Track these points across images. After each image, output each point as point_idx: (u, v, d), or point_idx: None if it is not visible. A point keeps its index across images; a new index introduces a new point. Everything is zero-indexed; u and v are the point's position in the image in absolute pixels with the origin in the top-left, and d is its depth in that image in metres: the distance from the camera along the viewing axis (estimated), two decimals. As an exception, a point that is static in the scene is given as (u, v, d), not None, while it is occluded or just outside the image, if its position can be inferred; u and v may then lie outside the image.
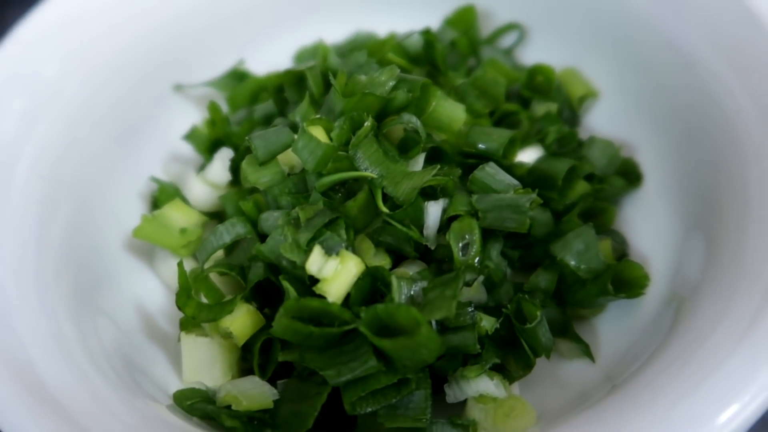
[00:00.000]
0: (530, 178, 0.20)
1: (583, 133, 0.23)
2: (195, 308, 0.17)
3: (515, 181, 0.17)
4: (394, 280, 0.15)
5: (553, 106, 0.22)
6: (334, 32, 0.26)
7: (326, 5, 0.26)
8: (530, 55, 0.25)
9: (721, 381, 0.11)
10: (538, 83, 0.22)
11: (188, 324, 0.18)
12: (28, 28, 0.20)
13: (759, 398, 0.11)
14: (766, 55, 0.16)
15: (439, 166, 0.17)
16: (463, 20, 0.24)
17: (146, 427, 0.13)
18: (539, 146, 0.21)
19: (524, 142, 0.21)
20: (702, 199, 0.18)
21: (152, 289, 0.20)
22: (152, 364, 0.18)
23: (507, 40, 0.25)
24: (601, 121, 0.23)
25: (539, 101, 0.22)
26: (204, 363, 0.17)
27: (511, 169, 0.20)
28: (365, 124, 0.17)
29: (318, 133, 0.18)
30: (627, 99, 0.22)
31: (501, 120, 0.22)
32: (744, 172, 0.16)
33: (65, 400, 0.13)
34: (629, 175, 0.21)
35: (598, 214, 0.20)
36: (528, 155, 0.21)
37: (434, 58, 0.22)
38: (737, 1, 0.17)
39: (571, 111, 0.23)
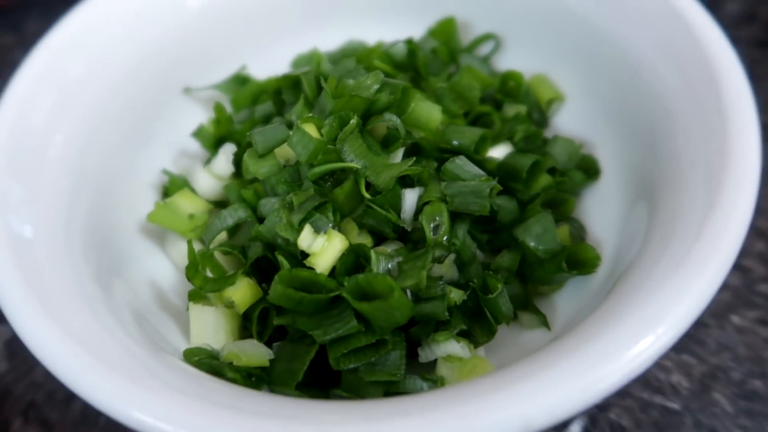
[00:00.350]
0: (499, 171, 0.22)
1: (550, 133, 0.26)
2: (202, 281, 0.20)
3: (481, 172, 0.20)
4: (373, 255, 0.18)
5: (522, 108, 0.25)
6: (329, 41, 0.28)
7: (322, 17, 0.28)
8: (505, 63, 0.27)
9: (634, 323, 0.14)
10: (509, 88, 0.25)
11: (196, 295, 0.20)
12: (57, 36, 0.22)
13: (666, 335, 0.14)
14: (693, 53, 0.19)
15: (415, 159, 0.20)
16: (445, 31, 0.27)
17: (166, 369, 0.16)
18: (509, 143, 0.23)
19: (495, 139, 0.23)
20: (644, 187, 0.20)
21: (163, 267, 0.23)
22: (164, 329, 0.20)
23: (485, 49, 0.28)
24: (567, 122, 0.26)
25: (510, 104, 0.25)
26: (209, 328, 0.20)
27: (482, 163, 0.22)
28: (351, 122, 0.20)
29: (310, 129, 0.20)
30: (589, 102, 0.25)
31: (475, 120, 0.24)
32: (679, 164, 0.19)
33: (91, 343, 0.15)
34: (588, 169, 0.24)
35: (560, 203, 0.23)
36: (498, 151, 0.23)
37: (416, 65, 0.25)
38: (672, 12, 0.20)
39: (540, 113, 0.25)
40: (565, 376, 0.13)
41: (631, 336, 0.13)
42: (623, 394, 0.22)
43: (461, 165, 0.20)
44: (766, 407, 0.21)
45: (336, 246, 0.18)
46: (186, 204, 0.23)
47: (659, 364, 0.23)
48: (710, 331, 0.23)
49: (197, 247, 0.22)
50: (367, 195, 0.19)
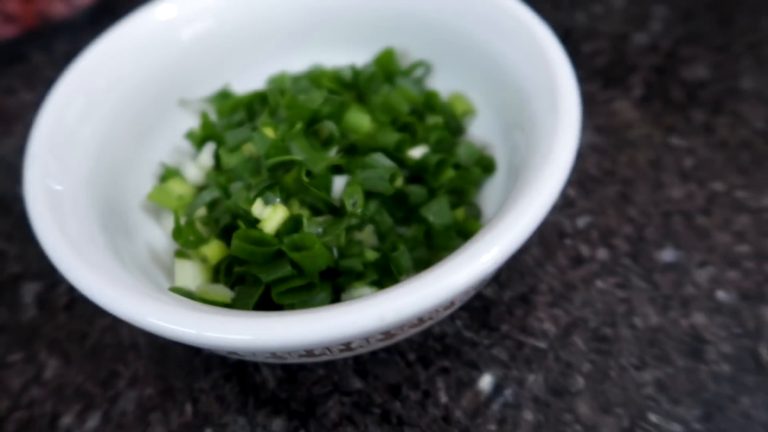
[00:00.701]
0: (416, 166, 0.29)
1: (467, 138, 0.33)
2: (184, 241, 0.27)
3: (390, 163, 0.27)
4: (305, 221, 0.25)
5: (439, 119, 0.31)
6: (297, 65, 0.35)
7: (292, 46, 0.36)
8: (434, 84, 0.34)
9: (474, 247, 0.20)
10: (430, 103, 0.32)
11: (180, 253, 0.27)
12: (83, 59, 0.30)
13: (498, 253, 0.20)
14: (539, 54, 0.26)
15: (343, 154, 0.27)
16: (386, 58, 0.34)
17: (164, 293, 0.22)
18: (426, 146, 0.30)
19: (415, 142, 0.30)
20: (518, 173, 0.27)
21: (158, 236, 0.30)
22: (156, 276, 0.27)
23: (420, 72, 0.35)
24: (477, 130, 0.33)
25: (430, 115, 0.32)
26: (189, 276, 0.27)
27: (402, 160, 0.29)
28: (297, 126, 0.27)
29: (268, 132, 0.28)
30: (491, 112, 0.32)
31: (403, 128, 0.31)
32: (536, 141, 0.25)
33: (108, 272, 0.22)
34: (486, 166, 0.30)
35: (462, 192, 0.30)
36: (417, 151, 0.30)
37: (359, 85, 0.32)
38: (528, 31, 0.27)
39: (456, 123, 0.32)
40: (415, 285, 0.20)
41: (467, 257, 0.20)
42: (503, 336, 0.29)
43: (376, 158, 0.27)
44: (612, 347, 0.28)
45: (279, 214, 0.25)
46: (177, 187, 0.30)
47: (536, 316, 0.29)
48: (578, 292, 0.30)
49: (183, 219, 0.29)
50: (305, 179, 0.26)
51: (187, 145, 0.33)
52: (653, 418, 0.26)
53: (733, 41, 0.41)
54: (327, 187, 0.26)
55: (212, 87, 0.34)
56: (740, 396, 0.26)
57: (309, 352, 0.22)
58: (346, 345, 0.22)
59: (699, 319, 0.28)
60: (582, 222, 0.32)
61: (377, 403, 0.27)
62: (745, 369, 0.27)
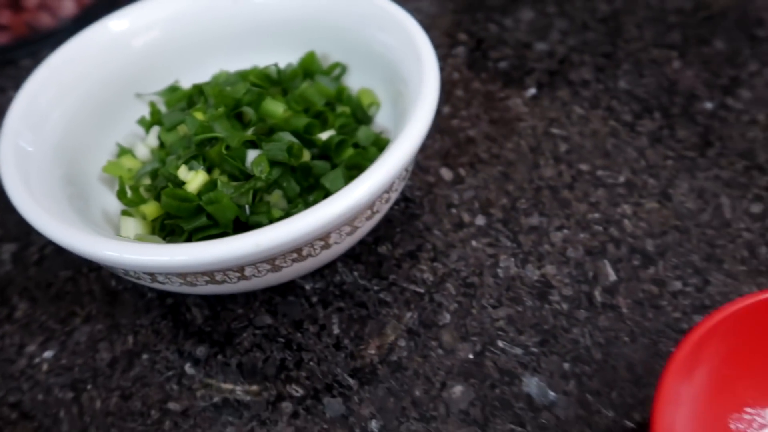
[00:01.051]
0: (323, 146, 0.36)
1: (375, 127, 0.40)
2: (127, 201, 0.33)
3: (292, 138, 0.33)
4: (220, 182, 0.31)
5: (347, 109, 0.38)
6: (237, 65, 0.42)
7: (234, 50, 0.42)
8: (350, 81, 0.41)
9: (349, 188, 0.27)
10: (340, 96, 0.39)
11: (125, 212, 0.34)
12: (54, 58, 0.37)
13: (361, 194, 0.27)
14: (410, 41, 0.33)
15: (255, 129, 0.34)
16: (308, 60, 0.40)
17: (113, 236, 0.29)
18: (333, 130, 0.37)
19: (324, 127, 0.37)
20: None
21: (111, 203, 0.36)
22: (106, 232, 0.34)
23: (337, 72, 0.42)
24: (381, 118, 0.39)
25: (340, 106, 0.39)
26: (131, 230, 0.33)
27: (312, 141, 0.36)
28: (219, 110, 0.34)
29: (198, 115, 0.34)
30: (389, 102, 0.38)
31: (317, 116, 0.38)
32: (403, 129, 0.32)
33: (67, 219, 0.28)
34: (382, 146, 0.37)
35: (360, 167, 0.36)
36: (326, 134, 0.37)
37: (282, 81, 0.39)
38: (403, 27, 0.34)
39: (363, 112, 0.39)
40: (289, 221, 0.26)
41: (331, 201, 0.27)
42: (391, 284, 0.35)
43: (281, 135, 0.33)
44: (476, 291, 0.34)
45: (200, 178, 0.32)
46: (128, 162, 0.37)
47: (419, 268, 0.35)
48: (456, 250, 0.36)
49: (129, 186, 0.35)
50: (224, 152, 0.33)
51: (140, 130, 0.39)
52: (500, 344, 0.32)
53: (617, 49, 0.48)
54: (242, 158, 0.33)
55: (164, 83, 0.41)
56: (572, 327, 0.32)
57: (212, 278, 0.28)
58: (241, 272, 0.28)
59: (550, 270, 0.35)
60: (467, 195, 0.39)
61: (282, 334, 0.34)
62: (579, 307, 0.33)
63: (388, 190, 0.31)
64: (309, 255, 0.29)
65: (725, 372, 0.26)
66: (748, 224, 0.36)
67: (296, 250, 0.28)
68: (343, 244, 0.31)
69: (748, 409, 0.27)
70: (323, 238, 0.29)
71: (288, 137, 0.33)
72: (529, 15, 0.52)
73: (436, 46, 0.48)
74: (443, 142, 0.42)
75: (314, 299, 0.35)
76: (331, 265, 0.36)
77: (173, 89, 0.40)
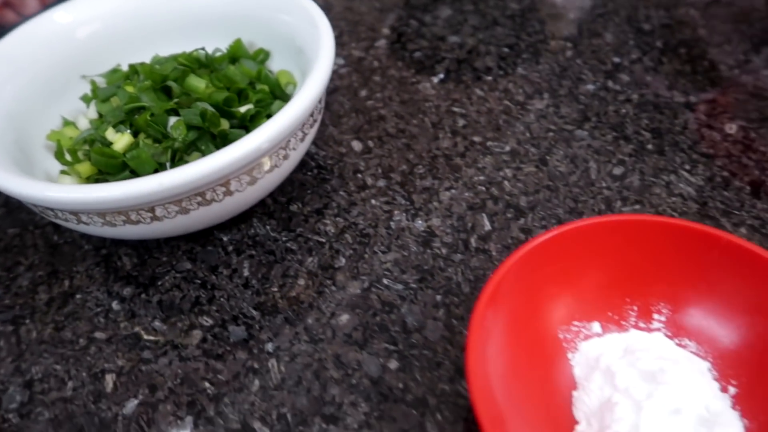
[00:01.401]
0: (241, 117, 0.41)
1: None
2: (64, 161, 0.38)
3: (207, 106, 0.38)
4: (141, 142, 0.37)
5: (265, 87, 0.43)
6: (172, 50, 0.48)
7: (169, 39, 0.48)
8: (273, 65, 0.47)
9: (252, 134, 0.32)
10: (260, 76, 0.44)
11: (63, 171, 0.39)
12: (6, 40, 0.42)
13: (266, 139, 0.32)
14: (312, 21, 0.38)
15: (178, 100, 0.39)
16: (236, 46, 0.46)
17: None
18: (251, 105, 0.42)
19: (243, 101, 0.42)
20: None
21: (53, 166, 0.41)
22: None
23: (262, 57, 0.47)
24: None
25: (260, 85, 0.44)
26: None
27: (231, 112, 0.41)
28: (146, 83, 0.39)
29: (129, 88, 0.39)
30: (300, 80, 0.44)
31: (239, 93, 0.43)
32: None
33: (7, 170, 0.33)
34: (294, 118, 0.42)
35: (274, 135, 0.41)
36: (244, 108, 0.42)
37: (210, 63, 0.44)
38: (308, 12, 0.39)
39: (281, 90, 0.44)
40: (191, 165, 0.31)
41: (228, 149, 0.32)
42: (298, 235, 0.40)
43: (198, 105, 0.38)
44: (370, 240, 0.39)
45: (125, 139, 0.37)
46: (69, 132, 0.42)
47: (323, 222, 0.41)
48: (357, 207, 0.41)
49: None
50: (149, 119, 0.38)
51: (84, 106, 0.45)
52: (385, 281, 0.37)
53: (520, 41, 0.53)
54: (164, 124, 0.38)
55: (107, 66, 0.46)
56: (448, 267, 0.37)
57: (128, 218, 0.33)
58: (153, 213, 0.33)
59: (435, 222, 0.40)
60: (372, 163, 0.44)
61: (199, 277, 0.38)
62: (456, 251, 0.38)
63: (284, 146, 0.36)
64: (213, 200, 0.34)
65: (552, 292, 0.31)
66: (609, 184, 0.41)
67: (200, 194, 0.33)
68: (246, 194, 0.36)
69: (576, 323, 0.32)
70: (224, 184, 0.34)
71: (202, 105, 0.39)
72: (447, 12, 0.58)
73: (362, 39, 0.54)
74: (357, 119, 0.48)
75: (230, 248, 0.40)
76: (247, 220, 0.41)
77: (114, 71, 0.46)
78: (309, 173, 0.44)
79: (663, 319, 0.32)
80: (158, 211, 0.33)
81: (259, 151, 0.33)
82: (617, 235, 0.31)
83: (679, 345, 0.31)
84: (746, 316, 0.30)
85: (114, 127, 0.37)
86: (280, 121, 0.33)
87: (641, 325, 0.32)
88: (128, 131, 0.38)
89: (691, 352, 0.31)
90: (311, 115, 0.38)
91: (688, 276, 0.31)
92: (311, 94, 0.35)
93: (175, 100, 0.40)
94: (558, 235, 0.30)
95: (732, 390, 0.29)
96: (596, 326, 0.32)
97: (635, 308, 0.32)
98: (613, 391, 0.29)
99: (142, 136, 0.38)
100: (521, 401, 0.28)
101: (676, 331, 0.31)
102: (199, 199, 0.34)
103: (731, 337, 0.30)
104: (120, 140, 0.37)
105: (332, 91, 0.50)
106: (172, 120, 0.38)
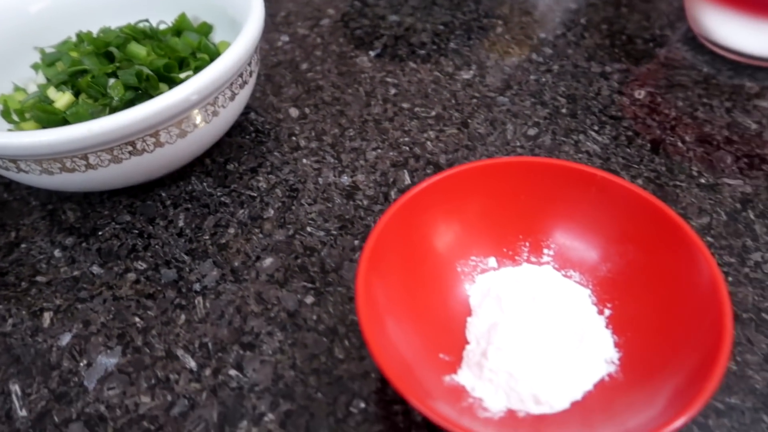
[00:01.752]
0: (180, 83, 0.44)
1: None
2: (11, 120, 0.41)
3: (144, 68, 0.41)
4: (80, 100, 0.39)
5: (205, 56, 0.46)
6: (122, 22, 0.51)
7: (120, 13, 0.51)
8: (217, 37, 0.50)
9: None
10: (201, 46, 0.47)
11: (10, 130, 0.41)
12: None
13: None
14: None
15: (119, 65, 0.42)
16: (181, 20, 0.49)
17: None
18: (191, 71, 0.45)
19: (184, 68, 0.45)
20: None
21: (2, 127, 0.44)
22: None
23: (206, 30, 0.50)
24: (236, 66, 0.48)
25: (200, 54, 0.47)
26: (13, 143, 0.41)
27: (171, 78, 0.44)
28: (88, 47, 0.42)
29: (73, 53, 0.42)
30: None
31: (181, 62, 0.46)
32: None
33: None
34: (231, 84, 0.45)
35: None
36: (184, 74, 0.45)
37: (155, 35, 0.47)
38: None
39: (221, 60, 0.47)
40: (123, 113, 0.34)
41: (157, 99, 0.35)
42: (232, 191, 0.43)
43: (137, 67, 0.41)
44: (298, 194, 0.42)
45: (66, 98, 0.40)
46: (19, 96, 0.44)
47: (256, 179, 0.43)
48: (289, 165, 0.44)
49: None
50: (89, 81, 0.41)
51: (35, 75, 0.47)
52: (309, 229, 0.40)
53: (455, 19, 0.57)
54: (104, 85, 0.41)
55: (60, 38, 0.49)
56: (367, 217, 0.40)
57: (64, 166, 0.36)
58: (87, 160, 0.36)
59: (360, 178, 0.43)
60: (307, 127, 0.47)
61: (138, 227, 0.41)
62: (376, 203, 0.41)
63: (212, 103, 0.39)
64: (144, 150, 0.37)
65: (449, 229, 0.34)
66: (523, 143, 0.44)
67: (131, 143, 0.36)
68: (177, 147, 0.39)
69: (473, 258, 0.35)
70: (153, 134, 0.37)
71: (137, 67, 0.42)
72: (390, -6, 0.61)
73: (308, 18, 0.57)
74: (297, 89, 0.51)
75: (168, 203, 0.42)
76: (186, 178, 0.44)
77: (65, 43, 0.48)
78: (247, 137, 0.47)
79: (551, 253, 0.35)
80: (91, 159, 0.36)
81: (187, 102, 0.36)
82: (509, 177, 0.34)
83: (565, 276, 0.34)
84: (619, 246, 0.33)
85: (56, 87, 0.40)
86: (205, 75, 0.36)
87: (533, 259, 0.35)
88: (69, 91, 0.40)
89: (575, 281, 0.34)
90: (240, 76, 0.41)
91: (571, 212, 0.34)
92: (237, 52, 0.38)
93: (117, 64, 0.43)
94: (449, 176, 0.33)
95: (607, 312, 0.32)
96: (492, 261, 0.35)
97: (527, 244, 0.35)
98: (500, 314, 0.32)
99: (83, 96, 0.41)
100: (416, 326, 0.31)
101: (563, 263, 0.35)
102: (130, 148, 0.37)
103: (607, 266, 0.33)
104: (61, 99, 0.40)
105: (275, 65, 0.53)
106: (112, 82, 0.41)
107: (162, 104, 0.35)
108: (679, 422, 0.23)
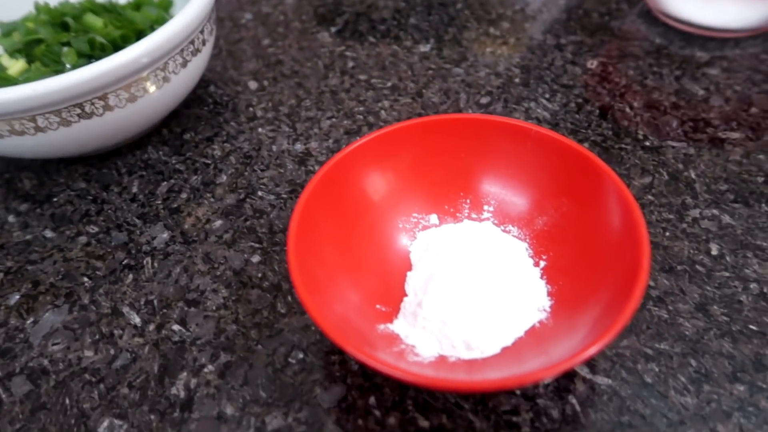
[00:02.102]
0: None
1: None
2: (-34, 88, 0.42)
3: (97, 36, 0.42)
4: (32, 68, 0.40)
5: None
6: None
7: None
8: (176, 12, 0.50)
9: None
10: (159, 20, 0.48)
11: (-34, 99, 0.42)
12: None
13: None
14: None
15: (74, 35, 0.42)
16: (140, -5, 0.50)
17: None
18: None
19: (139, 37, 0.46)
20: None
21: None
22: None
23: (166, 5, 0.51)
24: (194, 39, 0.48)
25: (158, 26, 0.47)
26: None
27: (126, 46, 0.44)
28: (42, 17, 0.42)
29: (28, 23, 0.43)
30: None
31: (139, 34, 0.47)
32: None
33: None
34: (187, 55, 0.46)
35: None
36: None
37: (115, 9, 0.48)
38: None
39: (180, 34, 0.48)
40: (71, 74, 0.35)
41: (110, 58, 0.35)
42: (186, 158, 0.43)
43: (90, 35, 0.42)
44: (252, 161, 0.43)
45: (20, 65, 0.40)
46: (-23, 68, 0.45)
47: (212, 148, 0.44)
48: (244, 134, 0.45)
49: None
50: (44, 49, 0.41)
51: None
52: (260, 193, 0.41)
53: (417, -4, 0.57)
54: (58, 54, 0.42)
55: (22, 13, 0.49)
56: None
57: (13, 128, 0.37)
58: (35, 122, 0.37)
59: (313, 145, 0.44)
60: (264, 98, 0.48)
61: (92, 194, 0.42)
62: (328, 168, 0.42)
63: (162, 68, 0.39)
64: (93, 113, 0.38)
65: (390, 186, 0.35)
66: (474, 110, 0.45)
67: (79, 105, 0.37)
68: (127, 111, 0.39)
69: (415, 215, 0.36)
70: (102, 97, 0.37)
71: (91, 36, 0.42)
72: (355, -26, 0.62)
73: (272, -3, 0.58)
74: (257, 63, 0.51)
75: (123, 170, 0.43)
76: (142, 147, 0.44)
77: (27, 18, 0.49)
78: (205, 108, 0.47)
79: (491, 209, 0.35)
80: (40, 121, 0.37)
81: (136, 64, 0.36)
82: (446, 134, 0.35)
83: (504, 231, 0.35)
84: (554, 199, 0.33)
85: (11, 55, 0.41)
86: (154, 38, 0.37)
87: (473, 216, 0.36)
88: (23, 59, 0.41)
89: (514, 236, 0.35)
90: (192, 42, 0.41)
91: (509, 169, 0.35)
92: (187, 17, 0.39)
93: (72, 34, 0.43)
94: (385, 133, 0.34)
95: (542, 264, 0.33)
96: (434, 218, 0.36)
97: (468, 201, 0.36)
98: (437, 266, 0.33)
99: (36, 63, 0.42)
100: (353, 278, 0.32)
101: (502, 219, 0.35)
102: (79, 111, 0.37)
103: (543, 219, 0.34)
104: (14, 66, 0.40)
105: (238, 40, 0.54)
106: (64, 48, 0.42)
107: (108, 65, 0.35)
108: (593, 349, 0.24)
